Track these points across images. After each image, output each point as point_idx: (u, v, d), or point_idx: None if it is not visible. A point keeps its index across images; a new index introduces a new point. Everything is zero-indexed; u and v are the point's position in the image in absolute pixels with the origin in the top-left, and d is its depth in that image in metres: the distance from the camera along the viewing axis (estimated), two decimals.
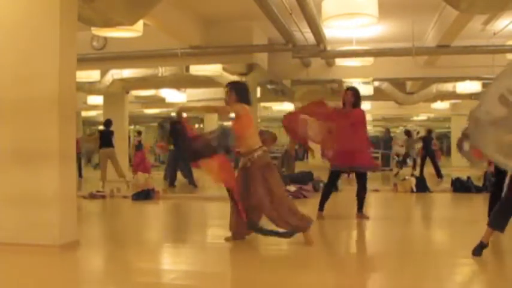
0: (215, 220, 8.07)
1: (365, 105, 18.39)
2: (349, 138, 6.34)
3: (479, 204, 9.24)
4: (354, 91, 6.75)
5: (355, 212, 6.75)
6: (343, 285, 3.96)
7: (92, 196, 9.63)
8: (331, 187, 6.88)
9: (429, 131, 15.65)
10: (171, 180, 11.98)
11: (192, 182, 11.71)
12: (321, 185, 10.59)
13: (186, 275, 4.15)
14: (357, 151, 6.47)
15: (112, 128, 12.14)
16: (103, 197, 9.75)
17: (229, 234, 5.25)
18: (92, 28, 7.23)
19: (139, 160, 14.24)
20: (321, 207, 6.73)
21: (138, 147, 14.99)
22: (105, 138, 11.88)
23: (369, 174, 7.17)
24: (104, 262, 4.90)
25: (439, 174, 14.12)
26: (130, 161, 15.34)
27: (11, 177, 5.03)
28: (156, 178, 13.69)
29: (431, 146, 14.80)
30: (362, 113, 6.63)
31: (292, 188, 9.41)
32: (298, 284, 3.78)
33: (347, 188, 10.47)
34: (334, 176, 6.83)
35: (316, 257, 4.59)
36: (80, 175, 15.70)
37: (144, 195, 9.44)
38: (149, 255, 4.96)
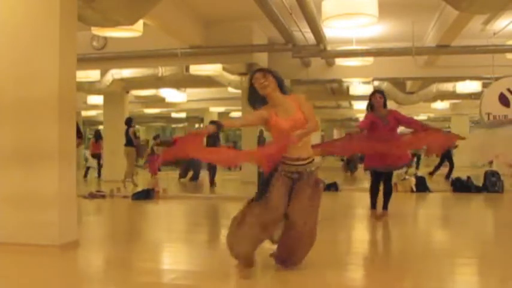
0: (215, 220, 8.07)
1: (365, 105, 18.48)
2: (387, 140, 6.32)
3: (479, 204, 9.25)
4: (382, 93, 6.77)
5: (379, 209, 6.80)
6: (344, 285, 3.96)
7: (92, 196, 9.64)
8: (377, 187, 6.89)
9: None
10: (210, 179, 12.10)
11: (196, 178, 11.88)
12: (321, 185, 10.58)
13: (186, 275, 4.14)
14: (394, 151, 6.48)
15: (118, 128, 12.21)
16: (103, 196, 9.75)
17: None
18: (92, 28, 7.24)
19: (151, 161, 14.34)
20: (373, 205, 6.78)
21: (152, 150, 15.06)
22: (126, 137, 12.00)
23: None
24: (104, 262, 4.90)
25: (448, 176, 14.13)
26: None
27: (11, 177, 5.03)
28: (164, 177, 13.70)
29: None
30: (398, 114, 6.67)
31: None
32: (299, 284, 3.78)
33: (347, 188, 10.48)
34: (377, 177, 6.85)
35: (317, 257, 4.58)
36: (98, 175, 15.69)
37: (144, 195, 9.45)
38: (149, 255, 4.96)
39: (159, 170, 15.94)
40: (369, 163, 6.69)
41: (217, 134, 12.42)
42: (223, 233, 5.25)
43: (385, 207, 6.70)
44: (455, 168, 14.43)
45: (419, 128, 6.24)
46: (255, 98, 3.95)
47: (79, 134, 11.45)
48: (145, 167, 14.19)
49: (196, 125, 25.30)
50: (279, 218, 3.83)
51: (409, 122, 6.51)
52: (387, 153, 6.33)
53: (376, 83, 13.96)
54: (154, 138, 14.90)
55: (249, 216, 3.80)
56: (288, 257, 4.02)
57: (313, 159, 3.98)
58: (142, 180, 13.53)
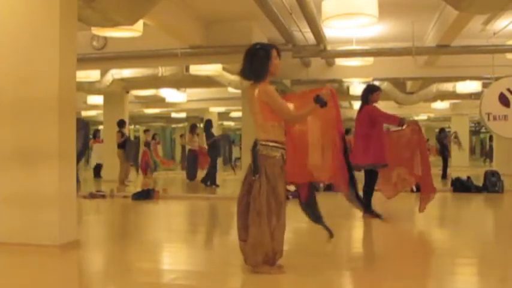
0: (215, 220, 8.07)
1: None
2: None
3: (479, 204, 9.25)
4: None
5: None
6: (344, 284, 3.96)
7: (92, 196, 9.63)
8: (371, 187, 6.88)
9: (441, 130, 15.90)
10: (211, 180, 12.15)
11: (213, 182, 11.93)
12: (321, 185, 10.58)
13: (186, 275, 4.14)
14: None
15: (116, 128, 12.24)
16: (103, 196, 9.75)
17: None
18: (92, 28, 7.24)
19: (144, 160, 14.37)
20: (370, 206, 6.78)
21: (146, 145, 15.07)
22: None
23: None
24: (104, 262, 4.90)
25: (444, 175, 14.26)
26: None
27: (11, 177, 5.03)
28: (165, 177, 13.72)
29: (444, 145, 15.06)
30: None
31: (292, 187, 9.37)
32: (298, 284, 3.78)
33: None
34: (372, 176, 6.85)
35: (317, 257, 4.59)
36: (99, 175, 15.66)
37: (144, 195, 9.46)
38: (149, 255, 4.96)
39: (155, 170, 15.96)
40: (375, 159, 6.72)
41: (218, 145, 12.46)
42: (223, 233, 5.27)
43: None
44: (455, 168, 14.48)
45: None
46: (263, 71, 3.95)
47: None
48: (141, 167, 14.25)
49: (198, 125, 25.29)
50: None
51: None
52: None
53: (376, 83, 13.95)
54: (145, 131, 14.89)
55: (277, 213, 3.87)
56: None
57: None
58: (141, 180, 13.55)
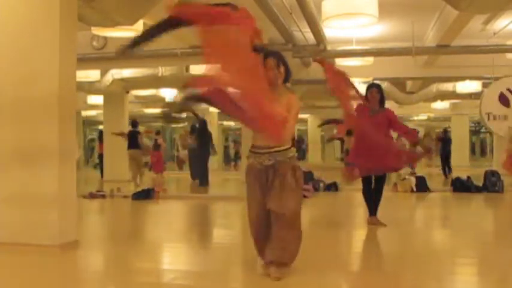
0: (215, 220, 8.07)
1: None
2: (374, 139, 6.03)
3: (479, 204, 9.25)
4: (379, 88, 6.40)
5: (367, 217, 6.44)
6: (344, 284, 3.96)
7: (92, 196, 9.64)
8: (369, 191, 6.47)
9: (445, 131, 15.93)
10: (201, 179, 12.21)
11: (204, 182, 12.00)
12: (321, 184, 10.59)
13: (186, 275, 4.15)
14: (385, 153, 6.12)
15: (118, 128, 12.23)
16: (103, 196, 9.75)
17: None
18: (92, 28, 7.24)
19: (156, 160, 14.35)
20: (371, 211, 6.39)
21: (156, 147, 15.09)
22: (132, 139, 11.94)
23: None
24: (104, 262, 4.90)
25: (449, 172, 14.36)
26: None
27: (11, 177, 5.03)
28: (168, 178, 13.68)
29: (447, 146, 15.10)
30: (391, 114, 6.34)
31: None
32: (298, 284, 3.78)
33: (347, 188, 10.46)
34: (367, 182, 6.46)
35: (317, 257, 4.58)
36: (101, 175, 15.63)
37: (144, 195, 9.46)
38: (149, 255, 4.96)
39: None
40: (361, 173, 6.46)
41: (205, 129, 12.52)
42: (224, 233, 5.27)
43: (374, 212, 6.34)
44: (455, 168, 14.48)
45: (403, 135, 6.46)
46: None
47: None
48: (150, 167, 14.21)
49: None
50: (259, 215, 3.81)
51: (397, 127, 6.30)
52: (378, 159, 6.13)
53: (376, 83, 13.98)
54: (157, 133, 14.93)
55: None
56: (279, 254, 3.76)
57: (289, 148, 3.77)
58: (147, 179, 13.54)
